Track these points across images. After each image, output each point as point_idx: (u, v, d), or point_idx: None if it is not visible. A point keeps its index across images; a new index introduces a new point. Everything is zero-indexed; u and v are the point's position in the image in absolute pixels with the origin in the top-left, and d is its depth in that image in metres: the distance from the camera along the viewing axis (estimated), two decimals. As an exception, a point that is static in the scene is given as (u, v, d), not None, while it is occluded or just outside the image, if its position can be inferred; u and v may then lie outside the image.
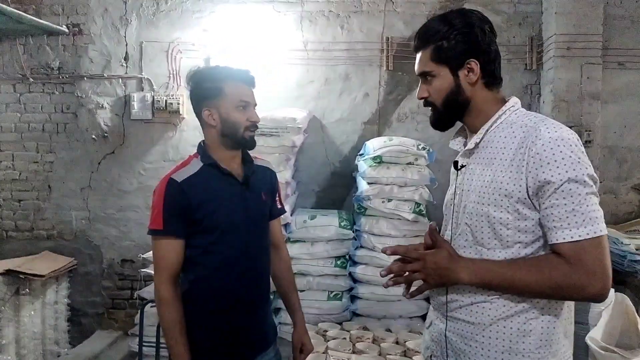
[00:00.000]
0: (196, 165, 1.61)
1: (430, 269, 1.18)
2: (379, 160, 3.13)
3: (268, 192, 1.75)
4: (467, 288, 1.19)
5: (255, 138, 3.19)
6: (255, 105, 1.68)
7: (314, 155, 3.68)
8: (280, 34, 3.64)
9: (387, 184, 3.09)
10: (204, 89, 1.61)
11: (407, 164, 3.14)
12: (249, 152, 1.76)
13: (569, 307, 1.20)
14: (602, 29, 3.33)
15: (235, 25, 3.64)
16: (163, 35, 3.69)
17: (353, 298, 3.09)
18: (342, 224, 3.10)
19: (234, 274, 1.59)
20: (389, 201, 3.07)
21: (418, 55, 1.27)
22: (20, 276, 3.15)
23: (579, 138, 1.13)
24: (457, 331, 1.22)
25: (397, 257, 1.25)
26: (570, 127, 3.19)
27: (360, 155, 3.33)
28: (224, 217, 1.58)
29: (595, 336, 2.44)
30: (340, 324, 2.97)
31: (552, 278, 1.07)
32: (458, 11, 1.25)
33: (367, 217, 3.10)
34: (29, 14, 3.56)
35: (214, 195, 1.58)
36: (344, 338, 2.75)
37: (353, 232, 3.09)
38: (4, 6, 3.14)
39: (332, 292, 3.06)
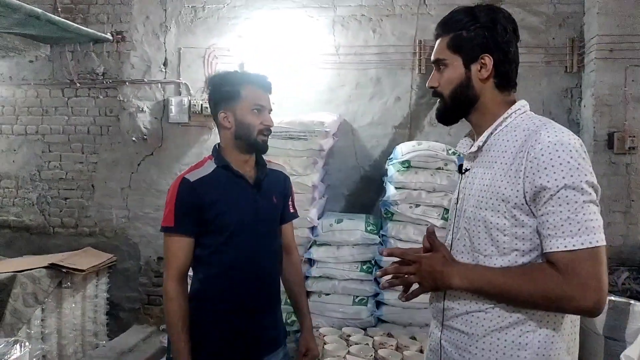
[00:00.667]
0: (210, 166, 1.67)
1: (425, 272, 1.16)
2: (407, 165, 3.09)
3: (280, 195, 1.78)
4: (463, 296, 1.17)
5: (283, 141, 3.24)
6: (271, 110, 1.72)
7: (344, 159, 3.68)
8: (313, 39, 3.68)
9: (415, 189, 3.04)
10: (222, 92, 1.67)
11: (437, 169, 3.09)
12: (264, 156, 1.80)
13: (573, 322, 1.15)
14: (649, 29, 3.16)
15: (269, 31, 3.71)
16: (200, 41, 3.81)
17: (378, 304, 3.06)
18: (369, 228, 3.08)
19: (242, 274, 1.63)
20: (416, 206, 3.02)
21: (437, 42, 1.26)
22: (63, 270, 3.32)
23: (582, 144, 1.09)
24: (452, 340, 1.20)
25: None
26: (613, 133, 3.12)
27: (390, 159, 3.31)
28: (234, 218, 1.62)
29: (631, 355, 2.30)
30: (364, 329, 2.96)
31: (543, 288, 1.03)
32: (486, 6, 1.23)
33: (394, 222, 3.06)
34: (77, 23, 3.77)
35: (225, 196, 1.63)
36: (367, 344, 2.73)
37: (379, 237, 3.06)
38: (53, 16, 3.34)
39: (357, 296, 3.04)
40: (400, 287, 1.26)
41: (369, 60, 3.65)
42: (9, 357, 2.23)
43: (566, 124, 3.47)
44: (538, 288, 1.04)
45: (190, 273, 1.68)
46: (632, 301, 2.56)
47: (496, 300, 1.12)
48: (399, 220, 3.05)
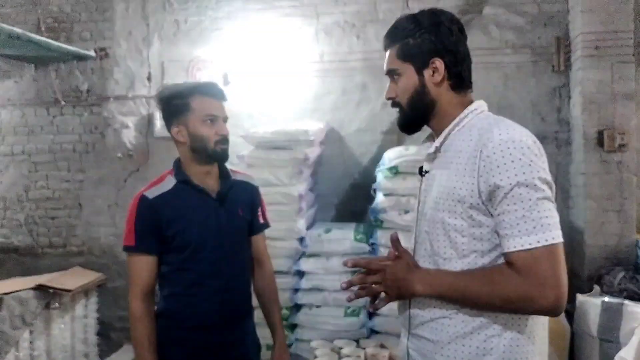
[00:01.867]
0: (170, 182, 1.63)
1: (390, 281, 1.14)
2: (395, 171, 3.04)
3: (247, 207, 1.74)
4: (427, 303, 1.14)
5: (268, 151, 3.19)
6: (226, 118, 1.68)
7: (332, 167, 3.64)
8: (297, 48, 3.65)
9: (403, 195, 3.00)
10: (172, 106, 1.63)
11: (425, 174, 3.04)
12: (232, 167, 1.77)
13: (544, 325, 1.13)
14: (634, 25, 3.11)
15: (252, 41, 3.68)
16: (183, 54, 3.78)
17: (371, 315, 3.00)
18: (358, 237, 3.02)
19: (207, 290, 1.59)
20: (405, 213, 2.97)
21: (387, 54, 1.26)
22: (50, 290, 3.27)
23: (536, 140, 1.07)
24: (418, 349, 1.17)
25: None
26: (603, 131, 3.07)
27: (379, 166, 3.26)
28: (195, 234, 1.58)
29: (626, 356, 2.25)
30: (357, 341, 2.89)
31: (503, 290, 1.01)
32: (428, 11, 1.23)
33: (384, 229, 3.01)
34: (61, 41, 3.76)
35: (186, 213, 1.59)
36: (358, 356, 2.67)
37: (369, 245, 3.01)
38: (34, 35, 3.32)
39: (348, 308, 2.98)
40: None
41: (354, 67, 3.62)
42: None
43: (556, 124, 3.44)
44: (497, 290, 1.02)
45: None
46: (625, 301, 2.50)
47: (459, 304, 1.09)
48: (389, 228, 3.00)
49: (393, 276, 1.14)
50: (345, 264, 1.21)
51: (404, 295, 1.16)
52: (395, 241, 1.19)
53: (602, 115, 3.12)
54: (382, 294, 1.19)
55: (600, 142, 3.10)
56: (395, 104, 1.26)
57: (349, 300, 1.23)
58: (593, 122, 3.14)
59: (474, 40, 3.49)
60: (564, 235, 1.05)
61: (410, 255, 1.20)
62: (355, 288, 1.21)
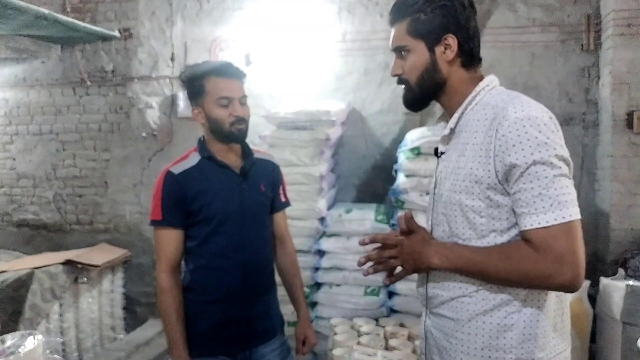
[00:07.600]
0: (194, 158, 1.66)
1: (406, 254, 1.16)
2: (417, 152, 3.02)
3: (268, 184, 1.77)
4: (446, 283, 1.15)
5: (290, 131, 3.20)
6: (244, 97, 1.66)
7: (354, 148, 3.63)
8: (319, 27, 3.62)
9: (425, 177, 2.98)
10: (190, 88, 1.65)
11: (447, 155, 3.01)
12: (254, 146, 1.79)
13: (559, 298, 1.13)
14: (670, 1, 3.00)
15: (275, 20, 3.66)
16: (206, 34, 3.79)
17: (391, 294, 3.02)
18: (379, 218, 3.03)
19: (231, 264, 1.63)
20: (427, 194, 2.96)
21: (393, 30, 1.22)
22: (78, 266, 3.37)
23: (552, 116, 1.06)
24: (438, 326, 1.19)
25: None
26: (632, 112, 2.98)
27: (401, 147, 3.24)
28: (219, 207, 1.62)
29: (651, 341, 2.22)
30: (376, 320, 2.92)
31: (520, 265, 1.02)
32: None
33: (405, 211, 3.00)
34: (86, 21, 3.80)
35: (210, 187, 1.62)
36: (378, 334, 2.69)
37: (390, 226, 3.01)
38: (60, 16, 3.36)
39: (368, 287, 3.01)
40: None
41: (377, 46, 3.57)
42: (22, 350, 2.27)
43: (584, 104, 3.35)
44: (514, 266, 1.03)
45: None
46: (651, 286, 2.46)
47: (476, 278, 1.10)
48: (410, 209, 2.99)
49: (410, 249, 1.15)
50: (362, 243, 1.22)
51: (420, 268, 1.16)
52: (409, 219, 1.19)
53: (633, 96, 3.03)
54: (399, 268, 1.20)
55: (629, 124, 3.02)
56: (402, 80, 1.22)
57: (366, 274, 1.24)
58: (622, 103, 3.05)
59: (501, 19, 3.42)
60: (589, 218, 1.04)
61: (427, 230, 1.20)
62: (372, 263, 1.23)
